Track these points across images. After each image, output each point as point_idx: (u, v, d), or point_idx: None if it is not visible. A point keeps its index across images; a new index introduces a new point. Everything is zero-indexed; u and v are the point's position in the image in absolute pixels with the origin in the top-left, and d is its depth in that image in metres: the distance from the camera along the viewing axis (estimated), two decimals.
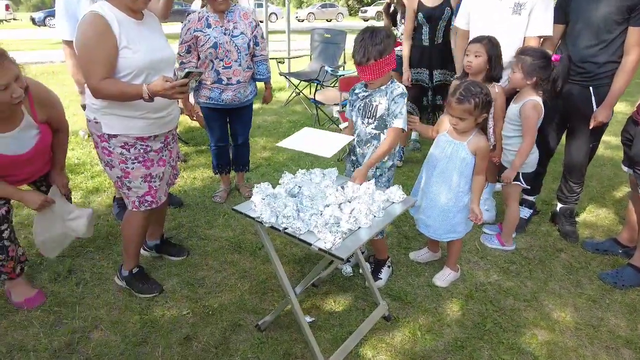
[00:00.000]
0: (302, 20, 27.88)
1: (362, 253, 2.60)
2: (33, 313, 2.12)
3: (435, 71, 3.68)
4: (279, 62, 6.26)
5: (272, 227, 1.62)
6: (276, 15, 25.35)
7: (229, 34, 2.82)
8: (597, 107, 2.58)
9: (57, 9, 2.76)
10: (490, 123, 2.57)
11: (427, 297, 2.32)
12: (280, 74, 6.09)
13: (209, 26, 2.79)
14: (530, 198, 3.03)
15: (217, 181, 3.65)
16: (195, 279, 2.43)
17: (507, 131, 2.55)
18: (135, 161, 2.04)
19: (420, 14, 3.51)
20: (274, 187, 1.83)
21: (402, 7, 3.97)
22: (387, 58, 1.94)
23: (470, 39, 2.82)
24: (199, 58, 2.87)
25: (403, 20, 3.99)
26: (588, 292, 2.37)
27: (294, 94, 6.22)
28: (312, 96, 5.22)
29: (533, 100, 2.39)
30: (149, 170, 2.08)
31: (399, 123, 2.02)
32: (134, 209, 2.14)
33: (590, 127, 2.60)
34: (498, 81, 2.56)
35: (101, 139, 1.98)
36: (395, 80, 2.11)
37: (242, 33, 2.86)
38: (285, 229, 1.58)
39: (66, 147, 2.27)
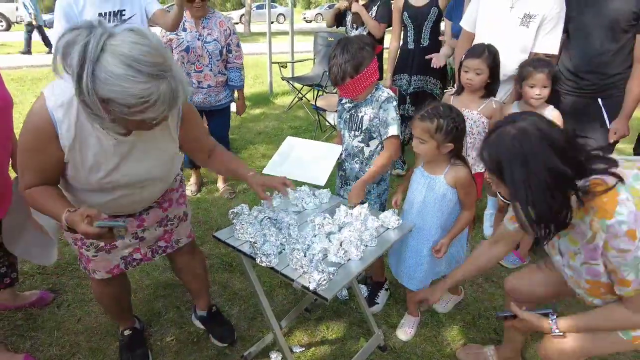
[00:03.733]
0: (310, 21, 27.72)
1: (358, 275, 2.46)
2: (8, 339, 2.02)
3: (413, 77, 3.53)
4: (282, 66, 6.14)
5: (252, 257, 1.49)
6: (284, 16, 25.24)
7: (202, 40, 2.92)
8: (609, 120, 2.41)
9: (55, 19, 2.43)
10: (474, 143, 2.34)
11: (427, 324, 2.17)
12: (283, 78, 5.96)
13: (184, 30, 2.89)
14: None
15: (211, 192, 3.57)
16: (182, 300, 2.30)
17: None
18: None
19: (405, 14, 3.39)
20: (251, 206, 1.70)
21: (355, 15, 3.73)
22: (365, 72, 1.78)
23: (475, 43, 2.66)
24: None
25: (353, 26, 3.81)
26: None
27: (296, 99, 6.08)
28: (314, 102, 5.09)
29: (555, 109, 2.27)
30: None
31: (394, 130, 1.86)
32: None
33: (611, 142, 2.42)
34: (495, 95, 2.35)
35: None
36: (382, 86, 1.95)
37: (215, 40, 2.95)
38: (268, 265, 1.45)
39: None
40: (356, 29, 3.79)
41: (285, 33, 7.79)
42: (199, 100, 3.07)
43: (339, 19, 4.01)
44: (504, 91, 2.56)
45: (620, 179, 1.09)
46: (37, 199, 1.33)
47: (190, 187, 3.54)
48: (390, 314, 2.23)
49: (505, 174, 1.14)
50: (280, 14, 25.36)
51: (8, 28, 18.44)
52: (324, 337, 2.08)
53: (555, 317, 1.33)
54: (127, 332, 1.94)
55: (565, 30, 2.46)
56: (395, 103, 1.89)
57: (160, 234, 1.73)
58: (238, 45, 3.09)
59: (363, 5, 3.67)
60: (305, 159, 2.01)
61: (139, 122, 1.13)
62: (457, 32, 3.01)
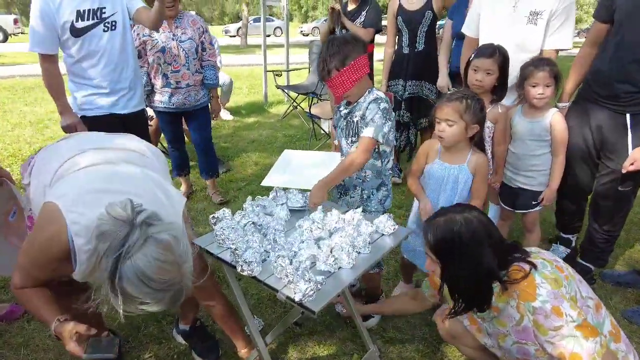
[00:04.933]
0: (307, 35, 27.91)
1: (353, 287, 2.32)
2: None
3: (408, 82, 3.44)
4: (277, 74, 6.07)
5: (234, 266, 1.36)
6: (281, 29, 25.43)
7: (176, 39, 2.89)
8: (633, 142, 2.04)
9: (32, 17, 2.24)
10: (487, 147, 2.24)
11: (425, 339, 2.02)
12: (277, 86, 5.89)
13: (157, 31, 2.84)
14: (568, 236, 2.67)
15: (201, 200, 3.42)
16: (164, 314, 2.15)
17: (532, 150, 2.20)
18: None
19: (399, 18, 3.33)
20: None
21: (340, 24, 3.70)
22: (352, 65, 1.68)
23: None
24: (149, 64, 2.98)
25: (342, 31, 3.72)
26: None
27: (291, 108, 6.00)
28: (309, 109, 5.00)
29: (559, 112, 2.16)
30: None
31: (369, 132, 1.72)
32: None
33: (624, 172, 2.06)
34: (502, 99, 2.22)
35: None
36: (375, 89, 1.84)
37: (189, 38, 2.93)
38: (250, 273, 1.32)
39: None
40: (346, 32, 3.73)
41: (282, 46, 7.75)
42: (179, 101, 3.03)
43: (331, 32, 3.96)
44: (514, 96, 2.43)
45: (534, 266, 1.28)
46: (30, 301, 1.34)
47: None
48: (386, 328, 2.08)
49: (443, 255, 1.31)
50: (277, 27, 25.54)
51: (5, 39, 18.46)
52: (314, 353, 1.93)
53: None
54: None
55: (610, 20, 2.09)
56: (383, 105, 1.76)
57: None
58: (211, 43, 3.11)
59: (354, 8, 3.63)
60: (305, 169, 1.98)
61: None
62: (456, 33, 2.93)
